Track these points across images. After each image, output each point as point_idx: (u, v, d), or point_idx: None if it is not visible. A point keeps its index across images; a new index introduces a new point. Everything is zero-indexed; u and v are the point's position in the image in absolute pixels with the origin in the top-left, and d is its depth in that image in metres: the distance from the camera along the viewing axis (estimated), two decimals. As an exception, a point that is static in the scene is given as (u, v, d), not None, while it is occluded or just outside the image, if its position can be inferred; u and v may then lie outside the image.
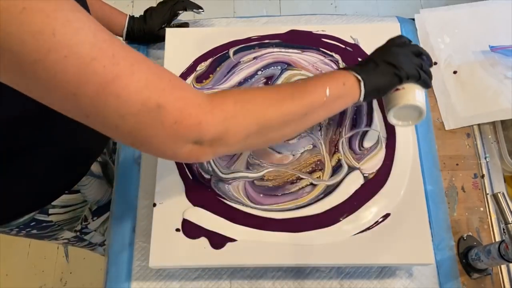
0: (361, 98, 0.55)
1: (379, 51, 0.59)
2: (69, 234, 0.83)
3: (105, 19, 0.80)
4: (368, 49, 0.77)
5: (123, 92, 0.38)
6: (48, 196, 0.70)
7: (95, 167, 0.77)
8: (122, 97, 0.38)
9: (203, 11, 0.85)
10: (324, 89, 0.52)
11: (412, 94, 0.58)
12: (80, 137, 0.70)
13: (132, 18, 0.82)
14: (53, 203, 0.71)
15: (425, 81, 0.58)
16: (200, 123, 0.43)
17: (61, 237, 0.83)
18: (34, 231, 0.75)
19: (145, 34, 0.82)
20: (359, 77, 0.54)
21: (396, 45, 0.59)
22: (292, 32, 0.79)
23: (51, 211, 0.72)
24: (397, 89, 0.58)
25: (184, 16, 0.85)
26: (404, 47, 0.58)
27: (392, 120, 0.62)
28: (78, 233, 0.86)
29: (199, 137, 0.44)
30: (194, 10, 0.85)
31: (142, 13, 0.84)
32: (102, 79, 0.37)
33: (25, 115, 0.56)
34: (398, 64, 0.55)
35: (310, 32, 0.79)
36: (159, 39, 0.82)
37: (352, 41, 0.78)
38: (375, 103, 0.72)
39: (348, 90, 0.54)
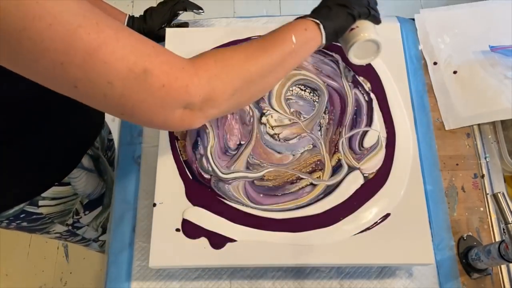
0: (323, 41, 0.58)
1: None
2: (61, 228, 0.83)
3: None
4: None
5: (109, 58, 0.39)
6: (37, 187, 0.70)
7: (86, 161, 0.78)
8: (109, 63, 0.39)
9: (203, 12, 0.85)
10: (290, 37, 0.55)
11: (367, 30, 0.62)
12: (70, 129, 0.70)
13: (131, 17, 0.82)
14: (43, 194, 0.71)
15: (375, 16, 0.63)
16: (187, 85, 0.44)
17: (53, 230, 0.83)
18: (25, 224, 0.75)
19: (144, 34, 0.82)
20: (318, 21, 0.57)
21: None
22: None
23: (41, 203, 0.72)
24: (352, 29, 0.62)
25: (184, 16, 0.85)
26: None
27: (354, 59, 0.65)
28: (70, 227, 0.85)
29: (188, 100, 0.45)
30: (194, 10, 0.85)
31: (142, 13, 0.84)
32: (88, 46, 0.37)
33: (15, 105, 0.56)
34: (349, 4, 0.60)
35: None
36: (159, 39, 0.82)
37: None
38: (375, 104, 0.73)
39: (311, 34, 0.57)
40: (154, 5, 0.84)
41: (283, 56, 0.54)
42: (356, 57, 0.65)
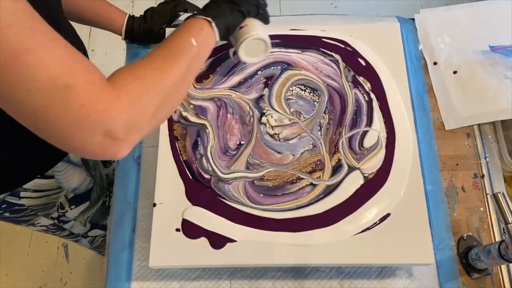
0: (217, 38, 0.60)
1: None
2: (46, 221, 0.83)
3: (105, 17, 0.80)
4: (369, 49, 0.77)
5: (34, 64, 0.38)
6: (19, 179, 0.70)
7: (73, 155, 0.76)
8: (31, 69, 0.38)
9: None
10: (190, 41, 0.55)
11: (256, 28, 0.65)
12: None
13: (131, 17, 0.82)
14: (25, 186, 0.70)
15: (264, 16, 0.66)
16: (109, 109, 0.42)
17: (38, 223, 0.83)
18: (7, 214, 0.74)
19: (144, 33, 0.82)
20: (209, 19, 0.59)
21: None
22: (292, 32, 0.79)
23: (22, 194, 0.71)
24: (241, 27, 0.65)
25: (184, 17, 0.85)
26: None
27: (243, 57, 0.68)
28: (55, 221, 0.85)
29: (109, 124, 0.42)
30: (195, 12, 0.84)
31: (142, 13, 0.84)
32: (14, 47, 0.36)
33: None
34: (237, 1, 0.61)
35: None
36: (159, 39, 0.82)
37: (352, 41, 0.78)
38: (375, 104, 0.73)
39: (206, 33, 0.59)
40: (154, 5, 0.84)
41: (190, 61, 0.54)
42: (246, 55, 0.68)
